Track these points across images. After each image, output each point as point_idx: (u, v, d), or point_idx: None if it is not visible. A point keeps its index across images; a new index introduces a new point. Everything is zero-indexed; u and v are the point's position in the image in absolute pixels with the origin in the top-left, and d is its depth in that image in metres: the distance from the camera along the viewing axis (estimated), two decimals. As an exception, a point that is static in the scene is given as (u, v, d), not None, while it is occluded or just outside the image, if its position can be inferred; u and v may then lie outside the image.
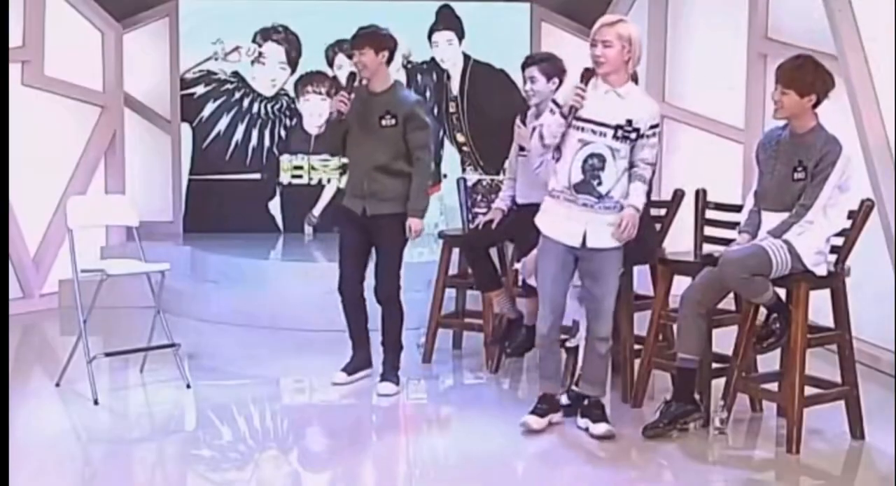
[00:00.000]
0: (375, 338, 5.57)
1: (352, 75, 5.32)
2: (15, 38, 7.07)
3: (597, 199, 4.58)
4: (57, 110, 7.42)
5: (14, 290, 7.11)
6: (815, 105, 4.54)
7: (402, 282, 5.46)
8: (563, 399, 4.96)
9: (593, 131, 4.57)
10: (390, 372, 5.45)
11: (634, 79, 4.76)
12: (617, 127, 4.55)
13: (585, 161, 4.57)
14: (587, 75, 4.61)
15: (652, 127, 4.61)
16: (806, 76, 4.51)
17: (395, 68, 8.46)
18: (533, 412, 4.79)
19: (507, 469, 4.50)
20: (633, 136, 4.57)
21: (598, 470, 4.52)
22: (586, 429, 4.76)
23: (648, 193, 4.79)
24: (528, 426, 4.76)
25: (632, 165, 4.60)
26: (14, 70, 7.08)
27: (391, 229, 5.33)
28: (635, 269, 5.29)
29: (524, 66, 5.54)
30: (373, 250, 5.46)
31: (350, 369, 5.57)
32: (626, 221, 4.55)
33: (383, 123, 5.26)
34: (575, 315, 5.16)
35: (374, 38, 5.27)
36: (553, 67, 5.45)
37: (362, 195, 5.34)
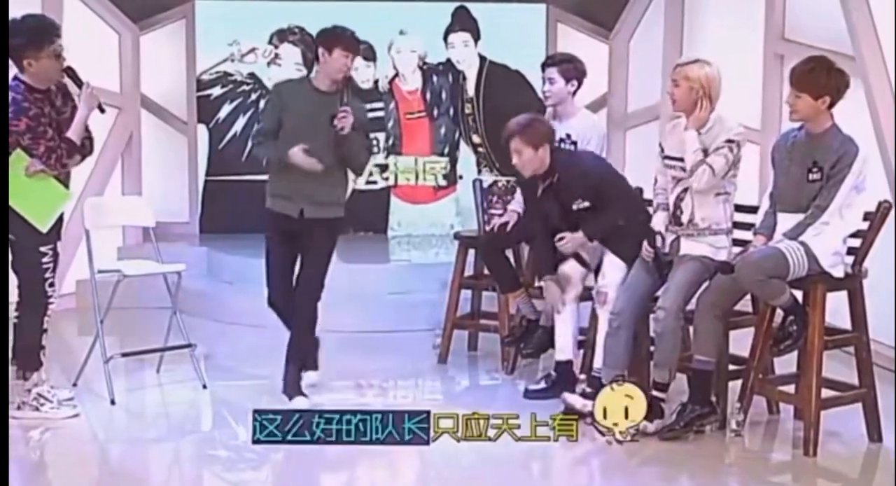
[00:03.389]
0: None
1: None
2: (33, 40, 7.09)
3: (678, 226, 4.82)
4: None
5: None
6: (831, 106, 4.53)
7: (419, 283, 5.44)
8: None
9: (679, 168, 4.78)
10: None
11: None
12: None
13: (678, 196, 4.82)
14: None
15: (727, 141, 4.69)
16: (819, 79, 4.50)
17: (410, 70, 8.53)
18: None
19: (523, 470, 4.50)
20: (704, 156, 4.70)
21: (614, 472, 4.51)
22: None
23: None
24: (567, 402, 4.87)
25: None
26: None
27: (329, 234, 5.22)
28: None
29: (544, 67, 5.54)
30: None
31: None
32: None
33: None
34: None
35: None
36: (573, 69, 5.45)
37: (300, 198, 5.17)
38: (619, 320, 4.89)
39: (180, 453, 4.78)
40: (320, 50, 5.15)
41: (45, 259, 4.85)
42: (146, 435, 5.00)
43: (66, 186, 4.96)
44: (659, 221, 4.93)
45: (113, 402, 5.19)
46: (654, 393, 4.77)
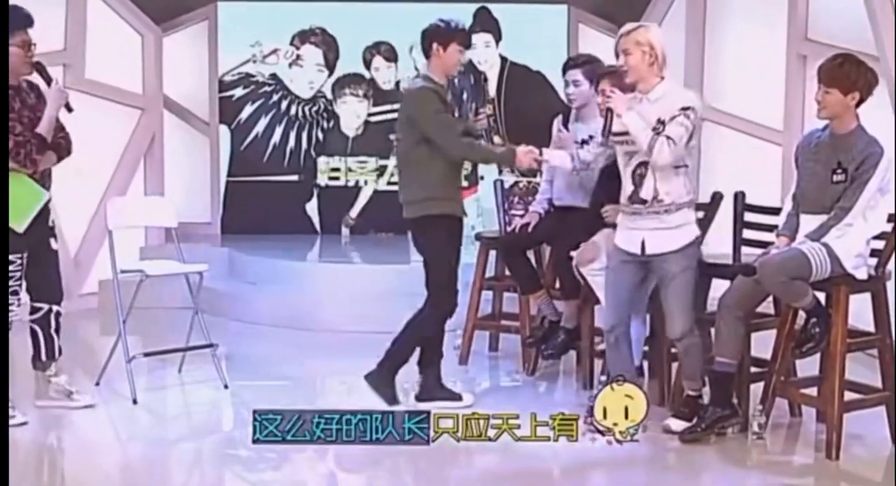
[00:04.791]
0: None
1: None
2: (56, 42, 7.14)
3: (641, 205, 4.62)
4: (97, 113, 7.49)
5: (55, 290, 7.19)
6: (859, 104, 4.49)
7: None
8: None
9: (633, 142, 4.59)
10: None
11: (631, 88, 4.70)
12: (652, 130, 4.54)
13: (634, 171, 4.63)
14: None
15: (681, 109, 4.53)
16: (849, 74, 4.46)
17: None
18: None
19: (542, 472, 4.49)
20: (661, 129, 4.53)
21: (635, 474, 4.50)
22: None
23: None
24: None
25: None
26: (56, 73, 7.12)
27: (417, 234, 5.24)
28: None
29: (566, 69, 5.52)
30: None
31: None
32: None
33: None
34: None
35: None
36: (595, 70, 5.43)
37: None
38: (615, 334, 4.80)
39: (201, 452, 4.80)
40: (434, 45, 5.08)
41: (12, 267, 4.78)
42: (168, 435, 5.02)
43: (44, 186, 4.89)
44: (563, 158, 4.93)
45: (135, 401, 5.21)
46: (690, 393, 4.78)
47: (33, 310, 5.05)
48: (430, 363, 5.21)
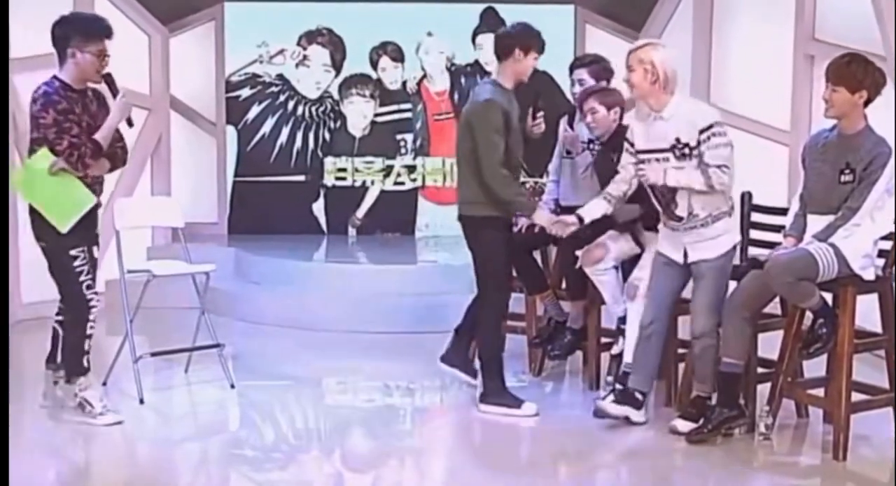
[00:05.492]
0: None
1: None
2: (64, 42, 7.15)
3: (678, 222, 4.69)
4: (104, 113, 7.50)
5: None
6: (867, 104, 4.49)
7: (446, 284, 5.42)
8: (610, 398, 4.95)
9: (657, 160, 4.66)
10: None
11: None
12: (672, 148, 4.63)
13: (665, 192, 4.70)
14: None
15: (702, 131, 4.60)
16: (856, 73, 4.46)
17: (438, 71, 8.53)
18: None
19: (548, 472, 4.49)
20: (687, 151, 4.62)
21: (640, 475, 4.49)
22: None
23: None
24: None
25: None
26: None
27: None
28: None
29: (573, 68, 5.52)
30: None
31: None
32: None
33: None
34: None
35: None
36: (603, 70, 5.44)
37: None
38: (650, 330, 4.87)
39: (208, 452, 4.80)
40: (517, 50, 5.00)
41: (76, 263, 4.85)
42: (174, 434, 5.03)
43: (95, 192, 4.94)
44: (599, 209, 4.87)
45: (142, 401, 5.22)
46: (699, 394, 4.78)
47: (60, 311, 5.09)
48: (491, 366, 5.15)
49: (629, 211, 5.04)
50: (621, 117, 5.17)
